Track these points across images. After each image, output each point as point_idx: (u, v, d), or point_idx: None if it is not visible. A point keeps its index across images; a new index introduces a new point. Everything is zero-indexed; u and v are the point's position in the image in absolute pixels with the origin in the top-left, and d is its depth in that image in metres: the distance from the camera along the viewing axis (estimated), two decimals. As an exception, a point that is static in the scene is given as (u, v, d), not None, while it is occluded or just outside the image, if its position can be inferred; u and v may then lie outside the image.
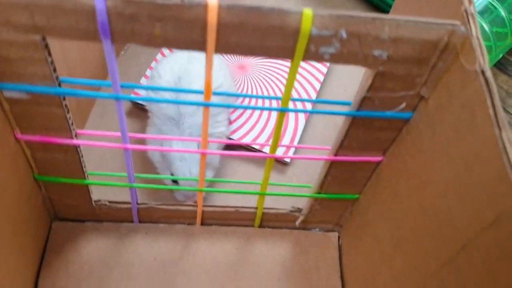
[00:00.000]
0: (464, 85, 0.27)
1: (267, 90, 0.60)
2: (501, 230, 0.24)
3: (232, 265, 0.47)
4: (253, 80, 0.60)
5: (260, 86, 0.60)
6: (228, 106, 0.53)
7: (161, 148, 0.45)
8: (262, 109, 0.37)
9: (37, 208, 0.44)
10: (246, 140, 0.57)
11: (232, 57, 0.62)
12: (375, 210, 0.42)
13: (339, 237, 0.50)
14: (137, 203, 0.46)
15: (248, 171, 0.57)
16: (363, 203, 0.44)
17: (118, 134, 0.37)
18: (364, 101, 0.33)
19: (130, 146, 0.38)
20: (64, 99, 0.34)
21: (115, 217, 0.48)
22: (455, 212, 0.28)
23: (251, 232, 0.49)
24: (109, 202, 0.46)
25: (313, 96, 0.61)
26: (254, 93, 0.59)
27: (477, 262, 0.26)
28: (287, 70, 0.62)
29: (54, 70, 0.31)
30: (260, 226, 0.49)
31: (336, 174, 0.41)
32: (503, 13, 0.52)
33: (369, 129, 0.36)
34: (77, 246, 0.47)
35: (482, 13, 0.53)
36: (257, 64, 0.62)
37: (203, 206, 0.47)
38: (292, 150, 0.57)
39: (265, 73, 0.61)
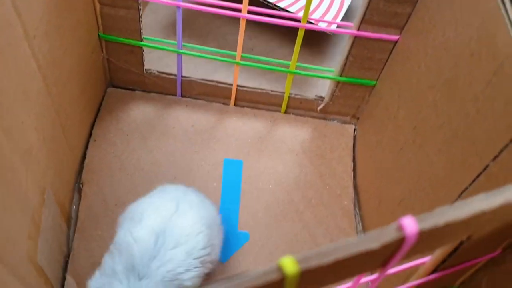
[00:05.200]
0: None
1: None
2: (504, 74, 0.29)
3: (258, 138, 0.53)
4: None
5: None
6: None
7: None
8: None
9: (97, 70, 0.51)
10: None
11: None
12: (391, 96, 0.47)
13: (355, 129, 0.56)
14: (182, 76, 0.53)
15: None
16: (380, 90, 0.50)
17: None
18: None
19: (182, 4, 0.45)
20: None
21: (161, 88, 0.55)
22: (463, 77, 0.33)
23: (277, 116, 0.55)
24: (158, 71, 0.53)
25: None
26: None
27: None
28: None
29: None
30: (286, 112, 0.56)
31: (356, 53, 0.47)
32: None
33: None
34: (127, 109, 0.54)
35: None
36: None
37: (237, 86, 0.53)
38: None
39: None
